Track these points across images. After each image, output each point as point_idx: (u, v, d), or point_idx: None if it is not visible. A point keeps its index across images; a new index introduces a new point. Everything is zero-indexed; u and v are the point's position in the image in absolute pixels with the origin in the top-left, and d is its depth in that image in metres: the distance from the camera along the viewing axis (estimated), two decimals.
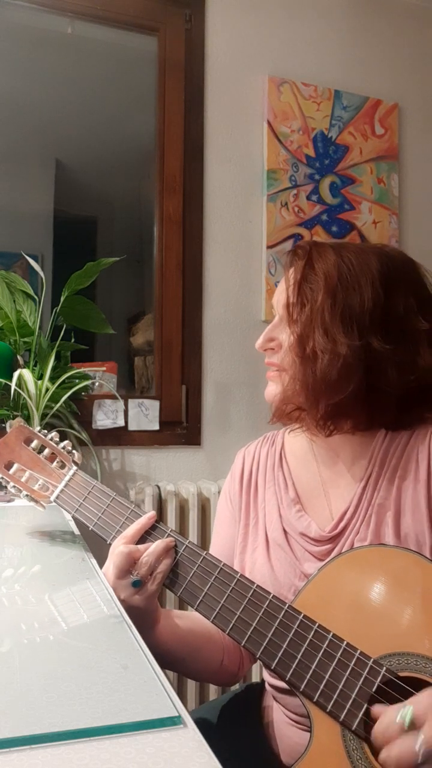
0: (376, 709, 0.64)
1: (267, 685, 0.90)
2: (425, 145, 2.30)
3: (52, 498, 0.91)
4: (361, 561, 0.72)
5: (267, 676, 0.89)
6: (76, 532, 1.08)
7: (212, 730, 0.91)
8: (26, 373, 1.54)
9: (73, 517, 0.90)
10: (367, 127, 2.18)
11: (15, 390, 1.53)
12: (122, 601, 0.76)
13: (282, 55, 2.11)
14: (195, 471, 1.94)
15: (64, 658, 0.58)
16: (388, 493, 0.81)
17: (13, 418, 1.51)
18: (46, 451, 0.95)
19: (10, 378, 1.53)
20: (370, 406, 0.82)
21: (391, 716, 0.60)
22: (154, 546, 0.78)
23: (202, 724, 0.90)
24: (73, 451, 0.96)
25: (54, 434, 0.97)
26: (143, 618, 0.79)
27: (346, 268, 0.82)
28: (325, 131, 2.13)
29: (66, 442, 0.97)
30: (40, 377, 1.62)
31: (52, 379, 1.65)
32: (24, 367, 1.62)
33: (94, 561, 0.90)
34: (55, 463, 0.93)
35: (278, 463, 0.94)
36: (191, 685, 1.75)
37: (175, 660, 0.88)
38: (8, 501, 1.35)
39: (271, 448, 0.97)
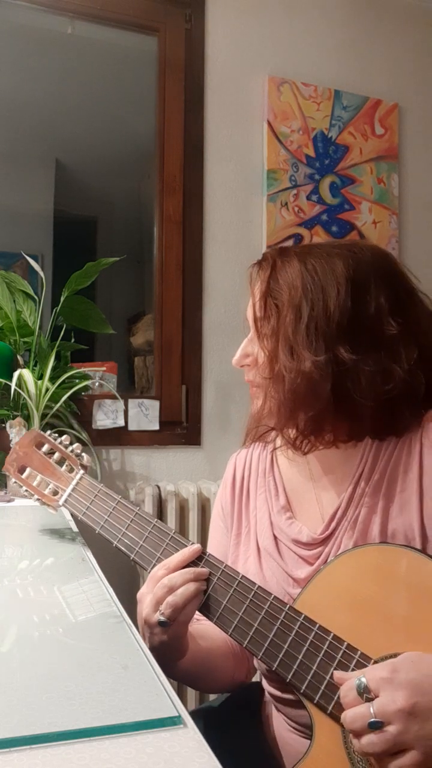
0: (338, 675, 0.66)
1: (267, 694, 0.89)
2: (425, 145, 2.30)
3: (61, 502, 0.92)
4: (359, 561, 0.72)
5: (266, 684, 0.88)
6: (77, 531, 1.08)
7: (212, 730, 0.91)
8: (26, 373, 1.54)
9: (80, 520, 0.90)
10: (367, 127, 2.18)
11: (15, 390, 1.53)
12: (151, 636, 0.76)
13: (282, 55, 2.11)
14: (195, 471, 1.94)
15: (64, 658, 0.58)
16: (377, 494, 0.79)
17: (13, 418, 1.51)
18: (57, 454, 0.96)
19: (10, 378, 1.53)
20: (347, 419, 0.80)
21: (350, 684, 0.61)
22: (184, 589, 0.74)
23: (202, 724, 0.90)
24: (82, 454, 0.96)
25: (65, 438, 0.98)
26: (171, 653, 0.79)
27: (310, 278, 0.79)
28: (325, 131, 2.13)
29: (76, 445, 0.97)
30: (40, 377, 1.62)
31: (52, 379, 1.65)
32: (24, 367, 1.62)
33: (94, 561, 0.90)
34: (64, 467, 0.95)
35: (269, 468, 0.92)
36: None
37: (190, 681, 0.88)
38: (8, 501, 1.35)
39: (263, 452, 0.95)
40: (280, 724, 0.86)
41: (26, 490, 0.95)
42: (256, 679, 0.98)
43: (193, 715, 0.92)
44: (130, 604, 0.78)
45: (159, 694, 0.52)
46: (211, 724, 0.92)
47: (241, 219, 2.04)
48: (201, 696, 1.77)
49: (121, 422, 1.85)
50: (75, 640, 0.62)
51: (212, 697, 1.74)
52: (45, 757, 0.42)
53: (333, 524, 0.81)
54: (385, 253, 0.85)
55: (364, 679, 0.59)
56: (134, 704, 0.50)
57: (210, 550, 0.97)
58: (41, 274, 1.71)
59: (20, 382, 1.53)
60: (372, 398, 0.77)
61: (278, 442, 0.91)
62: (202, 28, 2.01)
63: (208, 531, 1.77)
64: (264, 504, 0.90)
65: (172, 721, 0.48)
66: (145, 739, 0.46)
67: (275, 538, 0.86)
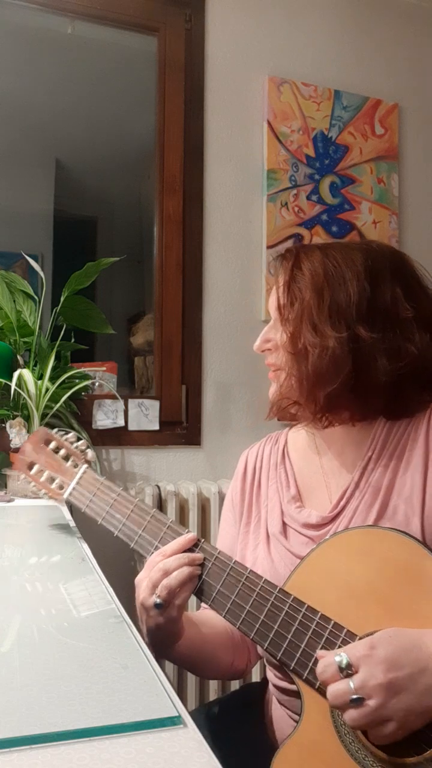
0: (321, 654, 0.68)
1: (271, 686, 0.90)
2: (425, 145, 2.30)
3: (65, 495, 0.96)
4: (348, 543, 0.74)
5: (271, 676, 0.89)
6: (76, 531, 1.08)
7: (212, 730, 0.91)
8: (26, 373, 1.54)
9: (82, 515, 0.93)
10: (367, 127, 2.18)
11: (15, 390, 1.53)
12: (147, 619, 0.79)
13: (282, 55, 2.11)
14: (195, 471, 1.94)
15: (64, 658, 0.58)
16: (384, 473, 0.83)
17: (13, 418, 1.51)
18: (63, 451, 1.01)
19: (10, 378, 1.53)
20: (364, 395, 0.84)
21: (329, 659, 0.64)
22: (179, 572, 0.78)
23: (202, 724, 0.90)
24: (87, 450, 1.01)
25: (71, 435, 1.04)
26: (167, 636, 0.82)
27: (332, 266, 0.85)
28: (325, 131, 2.12)
29: (81, 441, 1.02)
30: (40, 377, 1.62)
31: (52, 379, 1.65)
32: (24, 367, 1.62)
33: (93, 561, 0.91)
34: (69, 462, 1.00)
35: (281, 460, 0.96)
36: (191, 685, 1.75)
37: (188, 666, 0.91)
38: (8, 501, 1.35)
39: (274, 446, 0.99)
40: (280, 716, 0.87)
41: (34, 486, 1.00)
42: (255, 678, 0.98)
43: (193, 715, 0.92)
44: (129, 603, 0.79)
45: (159, 694, 0.52)
46: (211, 724, 0.92)
47: (241, 219, 2.04)
48: (201, 696, 1.78)
49: (121, 422, 1.85)
50: (75, 640, 0.62)
51: (212, 696, 1.75)
52: (45, 757, 0.42)
53: (342, 503, 0.84)
54: (399, 251, 0.91)
55: (345, 656, 0.62)
56: (134, 704, 0.50)
57: (219, 539, 1.02)
58: (41, 274, 1.71)
59: (20, 382, 1.53)
60: (387, 376, 0.81)
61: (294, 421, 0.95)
62: (202, 28, 2.01)
63: (209, 530, 1.78)
64: (275, 494, 0.93)
65: (172, 721, 0.48)
66: (145, 739, 0.46)
67: (284, 524, 0.90)
